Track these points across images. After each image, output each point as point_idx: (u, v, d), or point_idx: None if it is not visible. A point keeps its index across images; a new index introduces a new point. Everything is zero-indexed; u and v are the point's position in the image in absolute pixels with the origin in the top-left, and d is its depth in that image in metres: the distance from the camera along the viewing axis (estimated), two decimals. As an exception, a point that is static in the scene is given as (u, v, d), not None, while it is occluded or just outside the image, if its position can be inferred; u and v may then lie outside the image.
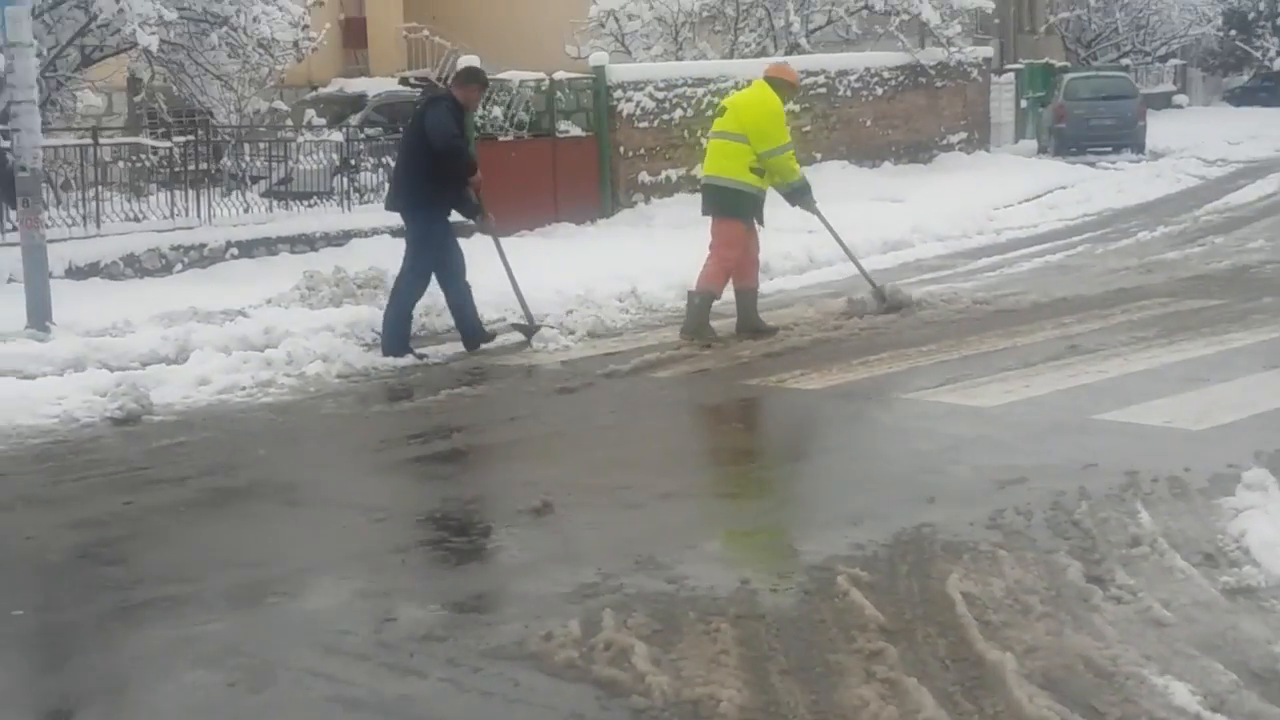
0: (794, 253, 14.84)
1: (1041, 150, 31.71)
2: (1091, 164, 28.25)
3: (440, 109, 10.57)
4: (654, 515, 6.28)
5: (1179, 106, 49.67)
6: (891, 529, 5.79)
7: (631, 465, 7.27)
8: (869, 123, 25.43)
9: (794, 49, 26.07)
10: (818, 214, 11.65)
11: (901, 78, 26.31)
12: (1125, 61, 43.90)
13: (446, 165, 10.44)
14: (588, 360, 10.17)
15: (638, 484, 6.84)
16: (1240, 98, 58.29)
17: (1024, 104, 34.58)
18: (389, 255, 14.17)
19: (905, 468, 6.89)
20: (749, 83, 24.14)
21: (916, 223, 17.27)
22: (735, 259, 10.98)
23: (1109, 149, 30.50)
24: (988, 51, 30.25)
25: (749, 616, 4.90)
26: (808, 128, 23.61)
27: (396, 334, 10.56)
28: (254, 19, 15.40)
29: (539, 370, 9.96)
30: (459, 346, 10.79)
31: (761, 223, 11.21)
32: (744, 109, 11.22)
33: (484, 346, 10.78)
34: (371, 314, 11.39)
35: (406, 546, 5.96)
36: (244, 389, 9.35)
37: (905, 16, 26.77)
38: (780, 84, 11.43)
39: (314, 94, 23.54)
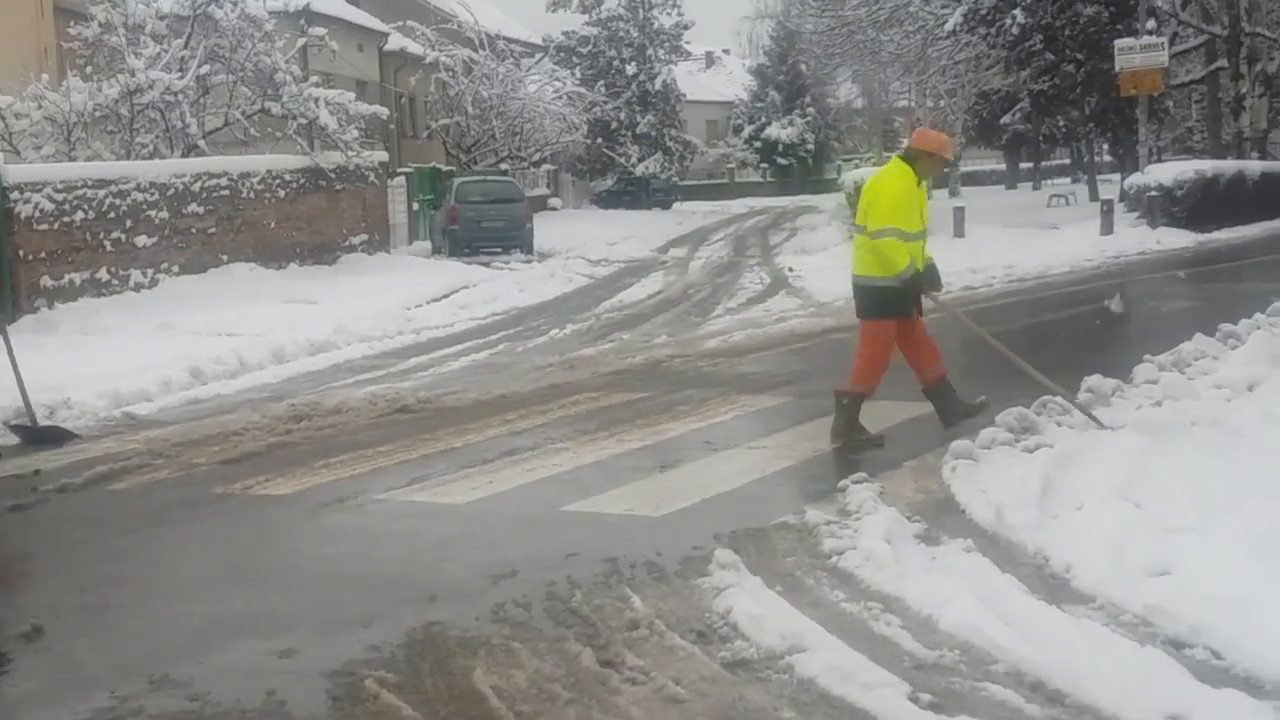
0: (224, 356, 14.67)
1: (436, 251, 32.73)
2: (486, 264, 29.47)
3: None
4: (157, 632, 6.15)
5: (554, 209, 52.52)
6: (403, 629, 5.97)
7: (119, 582, 7.03)
8: (273, 224, 25.52)
9: (192, 150, 25.78)
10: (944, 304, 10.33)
11: (303, 180, 26.60)
12: (504, 166, 45.85)
13: None
14: (28, 476, 9.70)
15: (130, 602, 6.68)
16: (607, 200, 62.74)
17: (415, 206, 35.64)
18: None
19: (400, 568, 7.05)
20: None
21: (338, 324, 17.42)
22: (872, 356, 9.71)
23: (500, 250, 31.85)
24: (383, 156, 31.02)
25: (287, 729, 4.96)
26: (212, 229, 23.43)
27: None
28: None
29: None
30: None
31: (913, 313, 9.80)
32: (866, 190, 9.82)
33: None
34: None
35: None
36: None
37: (303, 120, 27.06)
38: (917, 155, 9.66)
39: None
